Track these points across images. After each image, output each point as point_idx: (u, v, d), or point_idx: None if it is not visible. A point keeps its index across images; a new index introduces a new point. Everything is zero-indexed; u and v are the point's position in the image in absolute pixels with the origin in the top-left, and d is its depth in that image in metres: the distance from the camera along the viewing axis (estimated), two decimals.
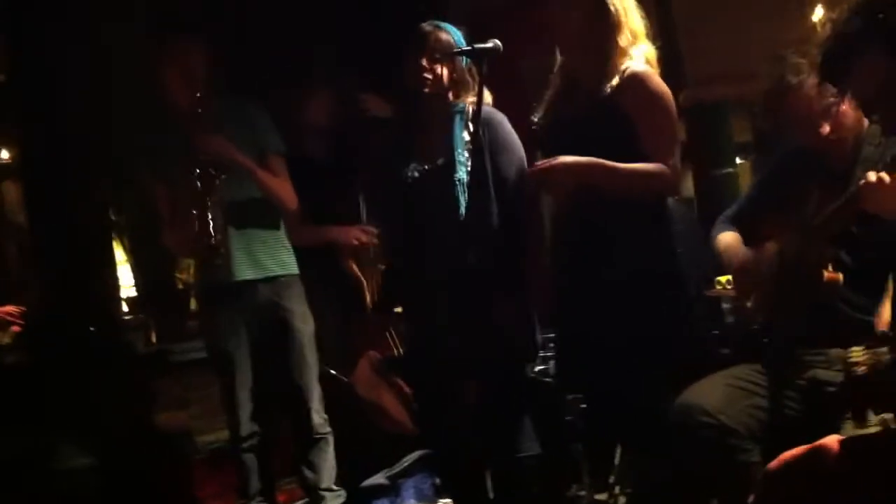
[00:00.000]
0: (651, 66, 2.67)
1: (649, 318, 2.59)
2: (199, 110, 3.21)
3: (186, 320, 4.47)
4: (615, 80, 2.61)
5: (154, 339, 4.69)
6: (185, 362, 4.37)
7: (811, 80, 2.37)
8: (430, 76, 2.92)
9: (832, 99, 2.33)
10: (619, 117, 2.60)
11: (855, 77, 1.55)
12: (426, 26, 2.96)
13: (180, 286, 3.47)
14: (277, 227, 3.45)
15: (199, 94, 3.22)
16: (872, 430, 1.62)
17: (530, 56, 4.16)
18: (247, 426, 3.36)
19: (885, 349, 1.54)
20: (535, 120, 2.86)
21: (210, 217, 3.18)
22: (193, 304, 3.46)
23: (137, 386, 4.23)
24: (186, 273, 3.44)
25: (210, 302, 3.41)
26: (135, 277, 4.83)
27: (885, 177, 1.99)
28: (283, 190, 3.39)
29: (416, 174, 2.98)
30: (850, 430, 1.75)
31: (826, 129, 2.36)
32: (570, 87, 2.77)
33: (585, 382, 2.97)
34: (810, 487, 1.55)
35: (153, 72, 3.34)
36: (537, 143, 2.90)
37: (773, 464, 1.66)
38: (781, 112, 2.47)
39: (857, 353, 1.59)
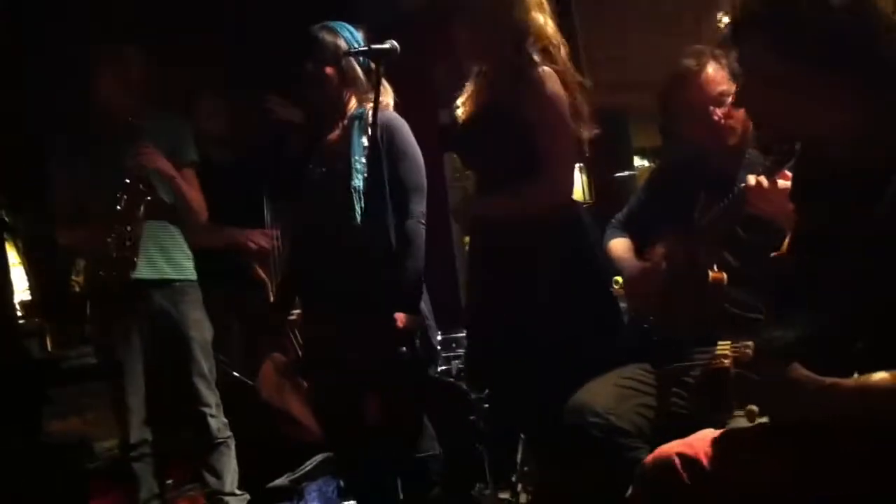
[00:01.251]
0: (568, 75, 2.68)
1: (552, 320, 2.62)
2: (131, 119, 3.26)
3: (82, 325, 4.35)
4: (518, 84, 2.63)
5: (49, 345, 4.57)
6: (81, 368, 4.25)
7: (709, 68, 2.45)
8: (316, 79, 2.91)
9: (726, 87, 2.42)
10: (518, 118, 2.62)
11: (744, 72, 1.57)
12: (314, 29, 2.94)
13: (77, 289, 3.39)
14: (175, 232, 3.42)
15: (132, 103, 3.29)
16: (747, 423, 1.66)
17: (442, 58, 4.22)
18: (137, 433, 3.31)
19: (749, 343, 1.59)
20: (450, 125, 2.88)
21: (132, 231, 3.23)
22: (89, 309, 3.40)
23: (31, 393, 4.11)
24: (82, 276, 3.36)
25: (102, 305, 3.34)
26: (29, 281, 4.69)
27: (764, 181, 2.06)
28: (197, 201, 3.45)
29: (314, 177, 2.96)
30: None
31: (718, 113, 2.43)
32: (481, 94, 2.79)
33: (489, 382, 3.00)
34: (684, 481, 1.59)
35: (85, 76, 3.36)
36: (451, 147, 2.92)
37: (649, 458, 1.70)
38: (675, 100, 2.53)
39: (724, 347, 1.64)
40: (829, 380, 1.43)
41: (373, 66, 2.73)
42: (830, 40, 1.45)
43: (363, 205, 2.80)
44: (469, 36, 2.73)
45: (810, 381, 1.45)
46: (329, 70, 2.90)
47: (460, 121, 2.83)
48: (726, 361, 1.62)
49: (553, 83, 2.61)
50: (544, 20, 2.71)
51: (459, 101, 2.85)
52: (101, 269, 3.27)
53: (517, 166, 2.63)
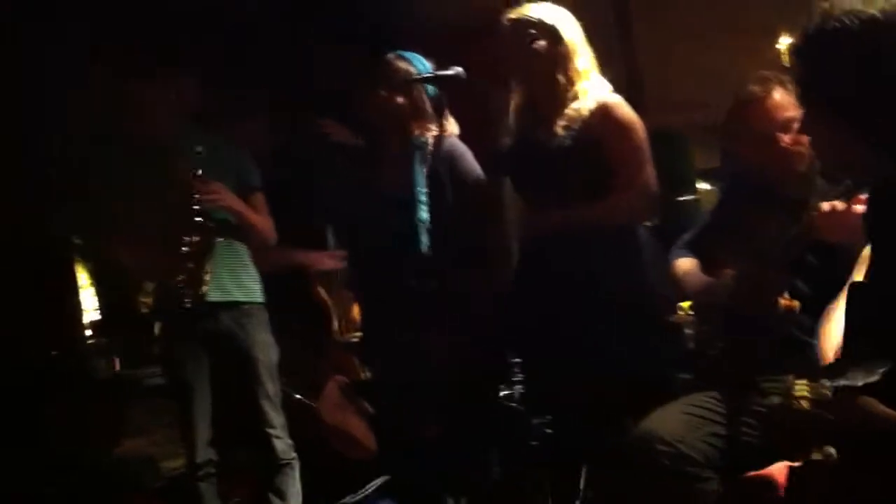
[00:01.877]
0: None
1: (616, 344, 2.61)
2: (188, 146, 3.27)
3: (151, 345, 4.44)
4: (586, 111, 2.64)
5: (117, 364, 4.65)
6: (149, 387, 4.33)
7: (775, 94, 2.43)
8: (387, 107, 2.93)
9: (793, 113, 2.39)
10: (590, 146, 2.63)
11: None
12: (388, 56, 2.98)
13: (144, 310, 3.45)
14: (243, 254, 3.46)
15: (186, 128, 3.31)
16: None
17: (494, 82, 4.23)
18: (202, 453, 3.34)
19: (827, 383, 1.56)
20: (500, 152, 2.88)
21: (205, 269, 3.25)
22: (157, 329, 3.46)
23: (99, 412, 4.19)
24: (150, 297, 3.43)
25: (170, 326, 3.40)
26: (98, 302, 4.78)
27: (839, 205, 2.02)
28: (266, 226, 3.48)
29: (377, 204, 2.98)
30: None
31: (786, 139, 2.41)
32: (532, 118, 2.80)
33: (552, 407, 2.98)
34: None
35: (132, 102, 3.37)
36: (504, 173, 2.92)
37: (728, 489, 1.67)
38: (743, 125, 2.51)
39: (801, 387, 1.61)
40: None
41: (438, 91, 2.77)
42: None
43: (429, 234, 2.80)
44: (515, 56, 2.75)
45: (886, 414, 1.42)
46: (399, 98, 2.93)
47: (513, 146, 2.83)
48: (804, 403, 1.59)
49: (628, 109, 2.64)
50: (583, 43, 2.73)
51: (508, 126, 2.87)
52: (170, 293, 3.31)
53: (582, 194, 2.63)
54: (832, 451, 1.49)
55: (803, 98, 1.55)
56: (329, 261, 3.95)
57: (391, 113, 2.96)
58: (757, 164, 2.54)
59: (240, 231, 3.42)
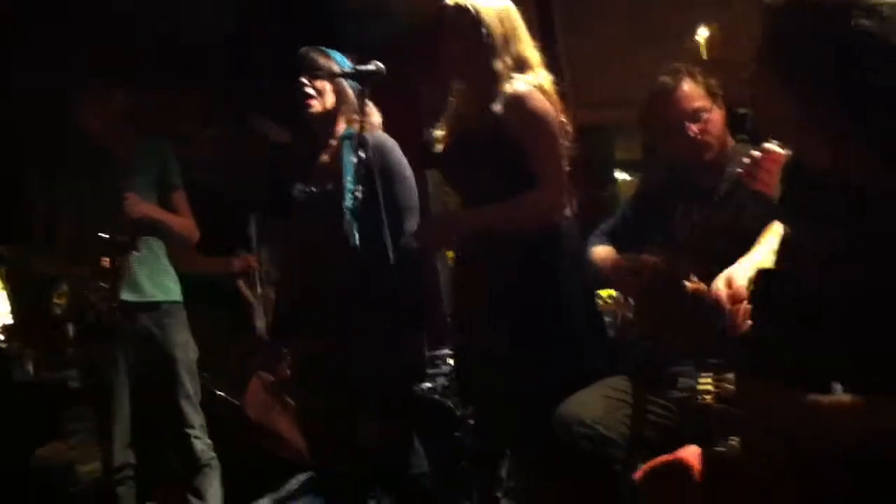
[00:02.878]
0: (546, 93, 2.70)
1: (538, 335, 2.63)
2: (121, 153, 3.28)
3: (65, 349, 4.35)
4: (498, 103, 2.65)
5: (32, 369, 4.55)
6: (65, 391, 4.23)
7: (684, 85, 2.49)
8: (312, 94, 2.93)
9: (702, 104, 2.47)
10: (504, 138, 2.64)
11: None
12: (306, 49, 2.97)
13: (58, 312, 3.38)
14: (161, 253, 3.42)
15: (119, 136, 3.30)
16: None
17: (429, 80, 4.25)
18: (121, 456, 3.28)
19: (730, 377, 1.60)
20: (432, 143, 2.89)
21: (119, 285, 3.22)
22: (71, 332, 3.39)
23: (14, 416, 4.08)
24: (64, 300, 3.35)
25: (86, 328, 3.33)
26: (11, 305, 4.66)
27: (757, 153, 2.08)
28: (186, 226, 3.47)
29: (303, 197, 2.97)
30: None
31: (694, 129, 2.47)
32: (462, 112, 2.82)
33: (475, 398, 2.99)
34: (671, 497, 1.60)
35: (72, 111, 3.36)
36: (434, 166, 2.93)
37: (638, 474, 1.70)
38: (655, 116, 2.57)
39: (705, 382, 1.65)
40: (809, 399, 1.42)
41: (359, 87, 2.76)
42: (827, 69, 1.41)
43: (357, 225, 2.79)
44: (447, 52, 2.76)
45: (787, 402, 1.44)
46: (320, 84, 2.93)
47: (445, 140, 2.85)
48: (708, 397, 1.63)
49: (540, 100, 2.65)
50: (520, 37, 2.74)
51: (442, 120, 2.88)
52: (85, 295, 3.25)
53: (504, 185, 2.64)
54: (735, 442, 1.53)
55: (763, 56, 1.54)
56: (243, 265, 3.93)
57: (317, 102, 2.95)
58: (669, 153, 2.60)
59: (159, 230, 3.38)
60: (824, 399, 1.42)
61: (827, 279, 1.48)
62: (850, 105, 1.40)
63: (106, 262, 3.19)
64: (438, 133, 2.88)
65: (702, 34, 3.85)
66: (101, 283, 3.20)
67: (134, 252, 3.25)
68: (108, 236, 3.19)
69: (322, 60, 2.94)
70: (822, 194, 1.54)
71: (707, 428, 1.71)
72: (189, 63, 4.51)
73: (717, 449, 1.57)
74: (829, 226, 1.51)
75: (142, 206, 3.28)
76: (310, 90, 2.93)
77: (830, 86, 1.40)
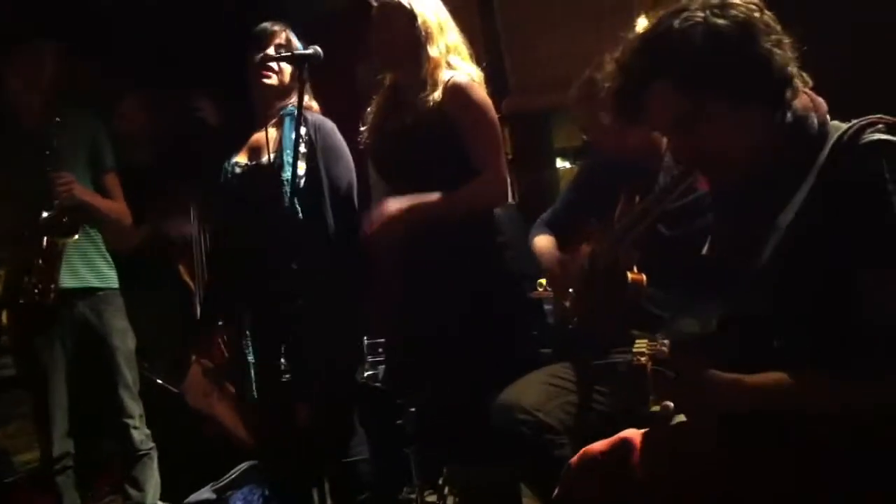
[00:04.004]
0: (480, 86, 2.73)
1: (477, 322, 2.65)
2: (44, 122, 3.17)
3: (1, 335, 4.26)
4: (437, 91, 2.66)
5: None
6: (1, 379, 4.14)
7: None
8: (273, 68, 2.93)
9: None
10: (443, 127, 2.65)
11: (648, 112, 1.64)
12: (273, 25, 2.98)
13: None
14: (97, 239, 3.35)
15: (46, 103, 3.20)
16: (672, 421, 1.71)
17: (364, 61, 4.22)
18: (59, 446, 3.24)
19: (665, 341, 1.65)
20: (363, 134, 2.88)
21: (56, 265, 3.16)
22: (5, 319, 3.31)
23: None
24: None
25: (22, 315, 3.26)
26: None
27: None
28: (119, 210, 3.40)
29: (239, 170, 2.95)
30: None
31: (635, 135, 2.46)
32: (395, 101, 2.81)
33: (415, 386, 3.01)
34: (609, 480, 1.63)
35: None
36: (366, 157, 2.92)
37: (575, 458, 1.73)
38: (587, 111, 2.58)
39: (641, 344, 1.69)
40: (732, 376, 1.52)
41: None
42: (726, 70, 1.54)
43: (296, 199, 2.78)
44: (380, 42, 2.76)
45: (717, 376, 1.53)
46: (277, 69, 2.94)
47: (374, 129, 2.84)
48: (643, 359, 1.67)
49: (480, 90, 2.67)
50: (451, 27, 2.76)
51: (371, 110, 2.88)
52: (20, 282, 3.18)
53: (442, 175, 2.65)
54: (670, 404, 1.57)
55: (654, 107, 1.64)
56: (183, 227, 3.88)
57: (272, 80, 2.94)
58: (601, 148, 2.63)
59: (92, 216, 3.31)
60: (751, 378, 1.50)
61: (751, 262, 1.56)
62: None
63: (44, 243, 3.12)
64: (370, 124, 2.88)
65: (641, 24, 3.87)
66: (40, 266, 3.12)
67: (73, 235, 3.19)
68: (48, 215, 3.13)
69: (290, 38, 2.96)
70: (752, 191, 1.62)
71: (641, 391, 1.75)
72: (118, 32, 4.42)
73: (652, 409, 1.61)
74: (758, 217, 1.59)
75: (75, 186, 3.21)
76: (272, 64, 2.92)
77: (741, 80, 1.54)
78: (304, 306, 2.80)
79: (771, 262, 1.53)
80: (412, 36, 2.70)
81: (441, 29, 2.73)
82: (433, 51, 2.69)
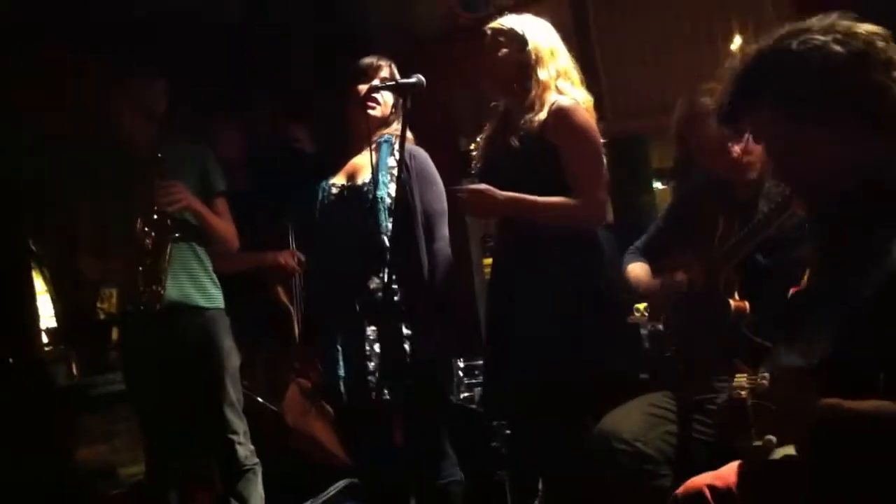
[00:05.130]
0: (587, 110, 2.75)
1: (575, 346, 2.65)
2: (155, 150, 3.26)
3: (108, 352, 4.41)
4: (543, 115, 2.68)
5: (76, 372, 4.61)
6: (107, 395, 4.30)
7: None
8: (378, 100, 3.01)
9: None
10: (546, 150, 2.68)
11: (751, 126, 1.64)
12: (378, 59, 3.06)
13: (102, 317, 3.43)
14: (205, 259, 3.46)
15: (154, 133, 3.30)
16: (777, 455, 1.69)
17: (456, 89, 4.27)
18: (165, 461, 3.34)
19: (766, 374, 1.63)
20: (472, 156, 2.93)
21: (159, 265, 3.24)
22: (115, 335, 3.43)
23: (58, 420, 4.15)
24: (108, 303, 3.41)
25: (130, 332, 3.38)
26: (55, 308, 4.73)
27: None
28: (229, 231, 3.49)
29: (336, 190, 3.02)
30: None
31: (737, 149, 2.46)
32: (504, 125, 2.85)
33: (510, 409, 3.02)
34: None
35: (106, 106, 3.38)
36: (473, 178, 2.97)
37: (680, 490, 1.72)
38: (694, 136, 2.56)
39: (741, 379, 1.68)
40: (832, 401, 1.50)
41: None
42: (835, 98, 1.54)
43: (391, 222, 2.85)
44: (491, 70, 2.80)
45: (817, 402, 1.51)
46: (380, 101, 3.02)
47: (482, 156, 2.88)
48: (743, 393, 1.65)
49: (584, 113, 2.69)
50: (562, 53, 2.78)
51: (482, 136, 2.92)
52: (129, 299, 3.30)
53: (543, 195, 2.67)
54: (773, 438, 1.55)
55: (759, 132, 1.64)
56: (289, 258, 3.96)
57: (376, 111, 3.02)
58: (707, 171, 2.60)
59: (201, 234, 3.41)
60: (851, 403, 1.48)
61: (851, 296, 1.54)
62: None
63: (149, 243, 3.23)
64: (479, 147, 2.92)
65: (736, 43, 3.83)
66: (144, 269, 3.22)
67: (179, 240, 3.29)
68: (155, 217, 3.24)
69: (390, 72, 3.03)
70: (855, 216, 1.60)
71: (742, 425, 1.73)
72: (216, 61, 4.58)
73: (755, 444, 1.59)
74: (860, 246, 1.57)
75: (186, 195, 3.29)
76: (377, 95, 3.00)
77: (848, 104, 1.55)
78: (391, 325, 2.85)
79: (873, 300, 1.50)
80: (523, 61, 2.74)
81: (552, 54, 2.76)
82: (542, 75, 2.72)
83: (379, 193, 2.90)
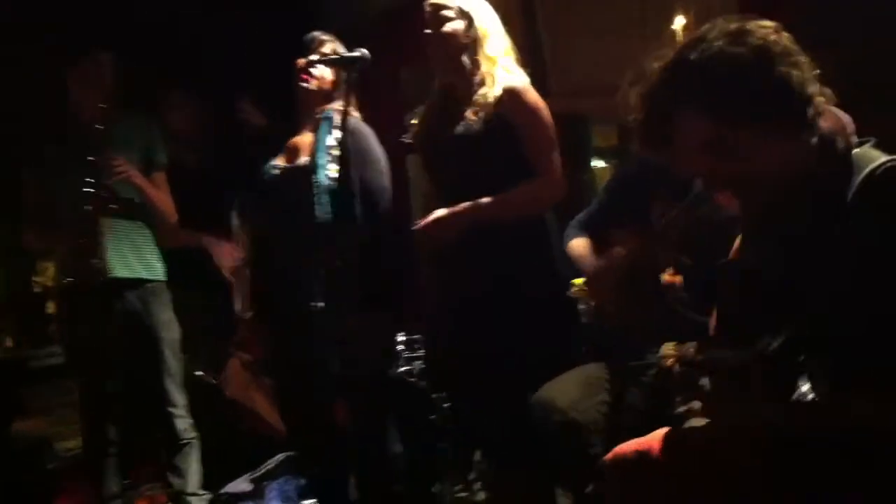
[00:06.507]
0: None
1: (517, 320, 2.69)
2: (101, 125, 3.27)
3: (46, 325, 4.36)
4: (497, 91, 2.70)
5: (11, 344, 4.55)
6: (47, 368, 4.25)
7: None
8: (311, 72, 3.01)
9: None
10: (499, 129, 2.70)
11: (674, 142, 1.66)
12: (320, 35, 3.06)
13: (38, 290, 3.39)
14: (147, 232, 3.44)
15: (102, 108, 3.29)
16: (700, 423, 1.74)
17: (408, 65, 4.27)
18: (103, 433, 3.33)
19: (692, 343, 1.68)
20: (411, 136, 2.94)
21: (102, 239, 3.23)
22: (52, 309, 3.40)
23: None
24: (44, 276, 3.37)
25: (72, 305, 3.35)
26: None
27: None
28: (167, 206, 3.49)
29: (276, 172, 3.02)
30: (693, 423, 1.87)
31: None
32: (449, 106, 2.86)
33: (449, 382, 3.05)
34: (640, 479, 1.66)
35: (56, 82, 3.38)
36: (421, 159, 2.98)
37: (609, 456, 1.77)
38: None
39: (668, 348, 1.72)
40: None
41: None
42: (746, 97, 1.56)
43: (330, 202, 2.85)
44: (431, 43, 2.81)
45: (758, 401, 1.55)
46: (321, 75, 3.01)
47: (426, 130, 2.89)
48: (669, 361, 1.70)
49: (536, 94, 2.72)
50: (501, 32, 2.80)
51: (422, 115, 2.93)
52: (69, 272, 3.27)
53: (497, 176, 2.70)
54: (697, 404, 1.60)
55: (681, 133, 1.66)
56: (232, 254, 3.96)
57: (311, 84, 3.02)
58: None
59: (142, 209, 3.40)
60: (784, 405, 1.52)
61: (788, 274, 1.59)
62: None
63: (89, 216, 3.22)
64: (422, 124, 2.93)
65: (679, 22, 3.87)
66: (85, 247, 3.21)
67: (112, 206, 3.28)
68: (92, 190, 3.23)
69: (329, 45, 3.03)
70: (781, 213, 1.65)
71: (670, 392, 1.78)
72: (167, 41, 4.52)
73: (679, 410, 1.64)
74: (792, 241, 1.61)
75: (128, 168, 3.31)
76: (313, 70, 3.00)
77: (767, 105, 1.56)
78: (334, 304, 2.86)
79: (808, 292, 1.54)
80: (467, 38, 2.75)
81: (496, 31, 2.78)
82: (490, 51, 2.74)
83: (318, 176, 2.90)
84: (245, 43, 4.63)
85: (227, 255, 4.00)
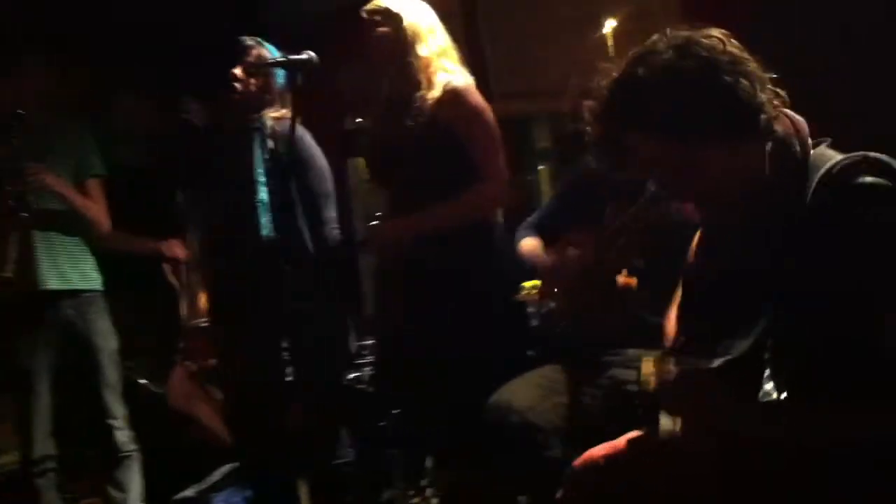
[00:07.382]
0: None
1: (465, 324, 2.68)
2: (23, 133, 3.17)
3: None
4: (436, 92, 2.69)
5: None
6: None
7: None
8: (240, 85, 2.97)
9: None
10: (443, 132, 2.68)
11: (630, 158, 1.65)
12: (247, 40, 3.00)
13: None
14: (81, 241, 3.36)
15: (20, 114, 3.18)
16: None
17: (345, 65, 4.24)
18: (41, 448, 3.23)
19: (671, 362, 1.67)
20: (360, 139, 2.92)
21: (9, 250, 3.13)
22: None
23: None
24: None
25: (5, 316, 3.24)
26: None
27: None
28: (99, 215, 3.39)
29: (219, 190, 2.98)
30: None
31: None
32: (391, 107, 2.84)
33: (400, 388, 3.03)
34: (610, 483, 1.66)
35: None
36: (360, 155, 2.95)
37: (578, 461, 1.76)
38: (584, 120, 2.60)
39: (648, 366, 1.72)
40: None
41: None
42: (695, 111, 1.54)
43: (272, 216, 2.81)
44: (368, 45, 2.79)
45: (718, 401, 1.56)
46: (253, 80, 2.97)
47: (374, 138, 2.87)
48: (651, 381, 1.69)
49: (478, 95, 2.71)
50: (440, 31, 2.80)
51: (363, 117, 2.91)
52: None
53: (442, 179, 2.68)
54: (670, 423, 1.60)
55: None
56: (176, 249, 3.87)
57: (242, 92, 2.96)
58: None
59: (66, 217, 3.31)
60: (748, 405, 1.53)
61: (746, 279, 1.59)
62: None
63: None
64: (366, 127, 2.91)
65: (609, 25, 3.92)
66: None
67: (21, 214, 3.17)
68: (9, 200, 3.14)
69: (261, 52, 2.97)
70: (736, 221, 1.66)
71: (634, 410, 1.77)
72: (110, 41, 4.42)
73: (650, 427, 1.64)
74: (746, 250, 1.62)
75: (46, 176, 3.20)
76: (239, 82, 2.96)
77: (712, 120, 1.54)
78: (286, 314, 2.82)
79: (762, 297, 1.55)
80: (399, 38, 2.73)
81: (430, 31, 2.77)
82: (422, 51, 2.72)
83: (258, 198, 2.89)
84: (190, 41, 4.56)
85: (178, 254, 3.91)
